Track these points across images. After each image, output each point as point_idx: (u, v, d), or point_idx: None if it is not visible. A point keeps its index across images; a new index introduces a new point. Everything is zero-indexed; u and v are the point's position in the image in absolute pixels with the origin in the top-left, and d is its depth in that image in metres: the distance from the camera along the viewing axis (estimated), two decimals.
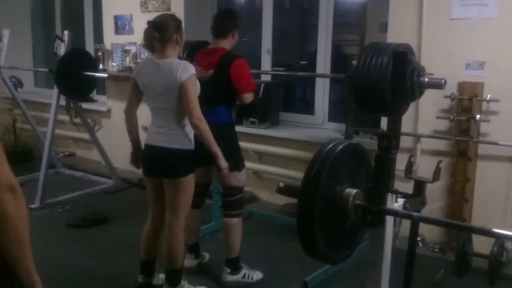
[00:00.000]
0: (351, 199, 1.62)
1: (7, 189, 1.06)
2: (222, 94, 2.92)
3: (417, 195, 1.83)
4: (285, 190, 1.80)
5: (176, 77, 2.51)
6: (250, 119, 4.38)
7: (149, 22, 2.61)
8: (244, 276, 3.07)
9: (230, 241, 3.01)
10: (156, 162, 2.67)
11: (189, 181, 2.66)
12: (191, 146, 2.65)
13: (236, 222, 3.00)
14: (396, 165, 1.68)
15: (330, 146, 1.63)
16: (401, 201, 1.75)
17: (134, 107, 2.79)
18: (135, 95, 2.75)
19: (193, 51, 3.11)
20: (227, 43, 2.97)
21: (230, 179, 2.95)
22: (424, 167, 3.40)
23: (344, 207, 1.62)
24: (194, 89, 2.56)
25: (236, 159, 2.99)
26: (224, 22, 3.00)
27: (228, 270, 3.04)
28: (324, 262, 1.73)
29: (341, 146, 1.63)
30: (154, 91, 2.62)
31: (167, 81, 2.54)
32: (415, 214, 1.62)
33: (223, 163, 2.69)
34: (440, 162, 1.88)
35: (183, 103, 2.54)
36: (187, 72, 2.53)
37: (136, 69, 2.75)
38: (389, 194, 1.65)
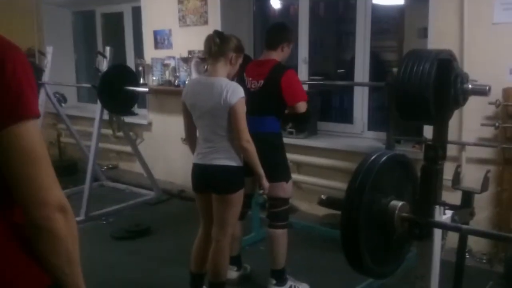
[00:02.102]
0: (397, 211, 1.59)
1: (59, 209, 1.08)
2: (272, 104, 2.96)
3: (465, 206, 1.78)
4: (327, 203, 1.79)
5: (225, 98, 2.52)
6: (288, 129, 4.38)
7: (215, 31, 2.67)
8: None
9: (275, 252, 3.01)
10: (206, 179, 2.69)
11: (238, 197, 2.68)
12: (240, 162, 2.65)
13: (281, 234, 3.00)
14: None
15: (373, 157, 1.61)
16: (449, 213, 1.70)
17: (193, 133, 2.78)
18: (189, 120, 2.74)
19: (243, 63, 3.13)
20: (277, 55, 3.02)
21: (277, 190, 2.95)
22: (470, 176, 3.29)
23: (390, 220, 1.59)
24: (244, 112, 2.57)
25: (283, 170, 3.02)
26: (274, 34, 3.08)
27: (274, 282, 3.04)
28: (371, 276, 1.70)
29: (385, 157, 1.61)
30: (202, 110, 2.62)
31: (215, 101, 2.54)
32: (464, 226, 1.57)
33: (266, 183, 2.71)
34: (488, 171, 1.82)
35: (232, 124, 2.56)
36: (237, 94, 2.54)
37: (184, 91, 2.76)
38: (437, 206, 1.61)
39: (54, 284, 1.14)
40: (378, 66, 4.58)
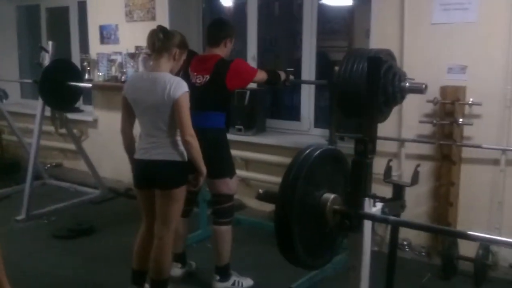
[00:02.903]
0: (329, 204, 1.61)
1: None
2: (217, 99, 2.96)
3: (396, 199, 1.84)
4: (265, 197, 1.79)
5: (169, 93, 2.50)
6: (237, 126, 4.39)
7: (158, 26, 2.64)
8: (234, 283, 3.06)
9: (219, 248, 3.01)
10: (148, 175, 2.65)
11: (181, 193, 2.66)
12: (183, 158, 2.63)
13: (225, 230, 3.00)
14: (379, 169, 1.69)
15: (307, 151, 1.63)
16: (380, 205, 1.75)
17: (129, 126, 2.73)
18: (127, 113, 2.69)
19: (188, 58, 3.11)
20: (220, 51, 3.02)
21: (221, 186, 2.96)
22: (409, 171, 3.39)
23: (322, 213, 1.62)
24: (188, 106, 2.56)
25: (227, 166, 3.01)
26: (215, 31, 3.06)
27: (218, 278, 3.03)
28: (303, 268, 1.72)
29: (318, 152, 1.63)
30: (144, 105, 2.59)
31: (159, 96, 2.52)
32: (392, 218, 1.62)
33: (201, 182, 2.69)
34: (418, 166, 1.89)
35: (176, 118, 2.54)
36: (181, 89, 2.52)
37: (125, 85, 2.72)
38: (367, 199, 1.65)
39: None
40: (327, 65, 4.64)
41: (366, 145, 1.60)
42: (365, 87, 1.82)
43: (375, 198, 1.70)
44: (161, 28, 2.62)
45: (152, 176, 2.64)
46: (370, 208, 1.67)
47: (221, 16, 4.95)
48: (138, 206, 2.81)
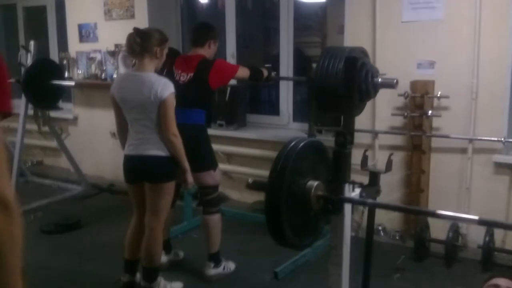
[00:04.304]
0: (313, 190, 1.79)
1: None
2: (199, 96, 3.11)
3: (372, 185, 2.02)
4: (254, 186, 1.95)
5: (156, 93, 2.60)
6: (218, 122, 4.53)
7: (134, 28, 2.71)
8: (224, 268, 3.24)
9: (211, 236, 3.17)
10: (138, 169, 2.77)
11: (171, 186, 2.79)
12: (170, 153, 2.75)
13: (216, 219, 3.17)
14: (356, 159, 1.87)
15: (292, 143, 1.80)
16: (358, 190, 1.93)
17: (124, 127, 2.82)
18: (119, 112, 2.79)
19: (171, 56, 3.19)
20: (204, 51, 3.19)
21: (206, 178, 3.11)
22: (383, 160, 3.59)
23: (307, 198, 1.79)
24: (173, 106, 2.68)
25: (210, 159, 3.17)
26: (201, 32, 3.25)
27: (212, 265, 3.19)
28: (291, 248, 1.89)
29: (302, 143, 1.80)
30: (132, 104, 2.69)
31: (146, 96, 2.62)
32: (369, 201, 1.80)
33: (190, 178, 2.83)
34: (391, 154, 2.08)
35: (161, 118, 2.66)
36: (168, 89, 2.64)
37: (112, 85, 2.82)
38: (347, 185, 1.83)
39: None
40: (303, 61, 4.81)
41: (345, 137, 1.78)
42: (341, 84, 2.00)
43: (354, 184, 1.88)
44: (137, 32, 2.68)
45: (141, 170, 2.76)
46: (350, 193, 1.85)
47: (198, 14, 5.09)
48: (128, 201, 2.93)
